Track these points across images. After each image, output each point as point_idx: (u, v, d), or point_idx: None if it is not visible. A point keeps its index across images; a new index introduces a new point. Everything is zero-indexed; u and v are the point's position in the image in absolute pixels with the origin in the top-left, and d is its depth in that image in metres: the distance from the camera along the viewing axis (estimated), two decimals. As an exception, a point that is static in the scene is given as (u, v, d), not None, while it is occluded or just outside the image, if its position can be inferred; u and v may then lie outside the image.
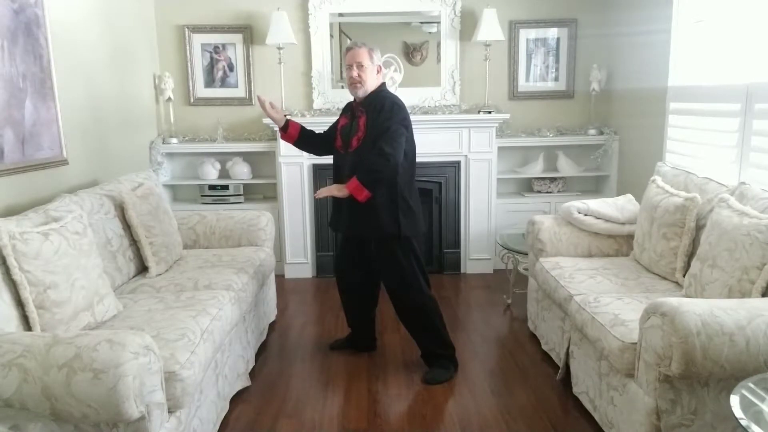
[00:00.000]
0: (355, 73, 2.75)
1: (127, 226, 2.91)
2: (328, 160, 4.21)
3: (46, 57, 2.83)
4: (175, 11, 4.45)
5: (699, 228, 2.59)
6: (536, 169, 4.60)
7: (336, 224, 2.97)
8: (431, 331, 2.88)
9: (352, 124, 2.84)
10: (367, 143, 2.72)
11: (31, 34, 2.72)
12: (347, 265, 3.04)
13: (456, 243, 4.53)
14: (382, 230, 2.77)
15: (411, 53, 4.58)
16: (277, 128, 3.18)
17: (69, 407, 1.63)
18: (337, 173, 2.92)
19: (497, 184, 4.49)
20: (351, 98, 2.90)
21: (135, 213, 2.89)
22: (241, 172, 4.49)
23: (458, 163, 4.40)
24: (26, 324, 2.03)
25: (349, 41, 4.46)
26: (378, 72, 2.82)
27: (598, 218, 3.17)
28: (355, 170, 2.69)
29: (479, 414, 2.56)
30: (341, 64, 4.56)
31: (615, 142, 4.47)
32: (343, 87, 4.55)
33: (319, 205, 4.44)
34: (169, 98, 4.39)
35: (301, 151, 4.26)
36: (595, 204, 3.20)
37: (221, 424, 2.45)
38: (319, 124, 4.27)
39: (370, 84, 2.79)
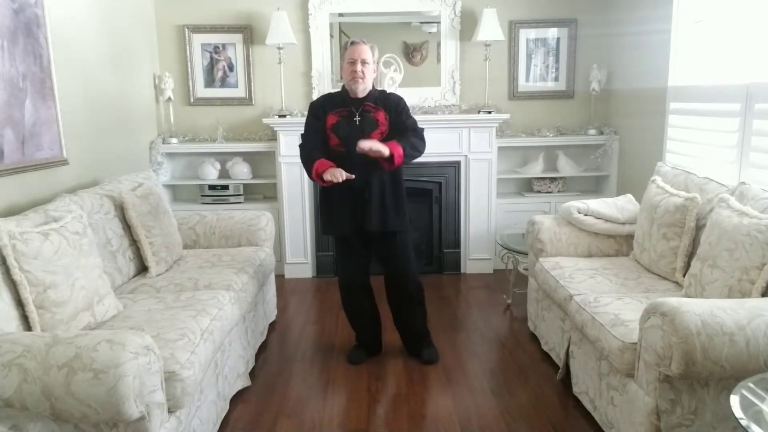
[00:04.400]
0: (359, 68, 2.83)
1: (127, 226, 2.91)
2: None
3: (46, 57, 2.82)
4: (175, 11, 4.45)
5: (699, 228, 2.59)
6: (536, 169, 4.60)
7: (351, 225, 2.84)
8: (423, 307, 3.04)
9: (354, 119, 2.84)
10: (389, 138, 2.79)
11: (31, 34, 2.72)
12: (358, 270, 2.97)
13: (456, 243, 4.53)
14: (405, 218, 2.90)
15: (411, 53, 4.58)
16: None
17: (69, 407, 1.63)
18: (350, 169, 2.72)
19: (497, 184, 4.48)
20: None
21: (135, 213, 2.89)
22: (241, 172, 4.49)
23: (458, 163, 4.40)
24: (26, 324, 2.04)
25: (347, 37, 4.45)
26: (374, 71, 2.95)
27: (598, 218, 3.17)
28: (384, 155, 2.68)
29: (479, 414, 2.56)
30: (341, 64, 4.56)
31: (615, 142, 4.47)
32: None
33: (319, 205, 4.43)
34: (169, 98, 4.39)
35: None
36: (595, 204, 3.20)
37: (221, 424, 2.45)
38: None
39: (370, 81, 2.89)
